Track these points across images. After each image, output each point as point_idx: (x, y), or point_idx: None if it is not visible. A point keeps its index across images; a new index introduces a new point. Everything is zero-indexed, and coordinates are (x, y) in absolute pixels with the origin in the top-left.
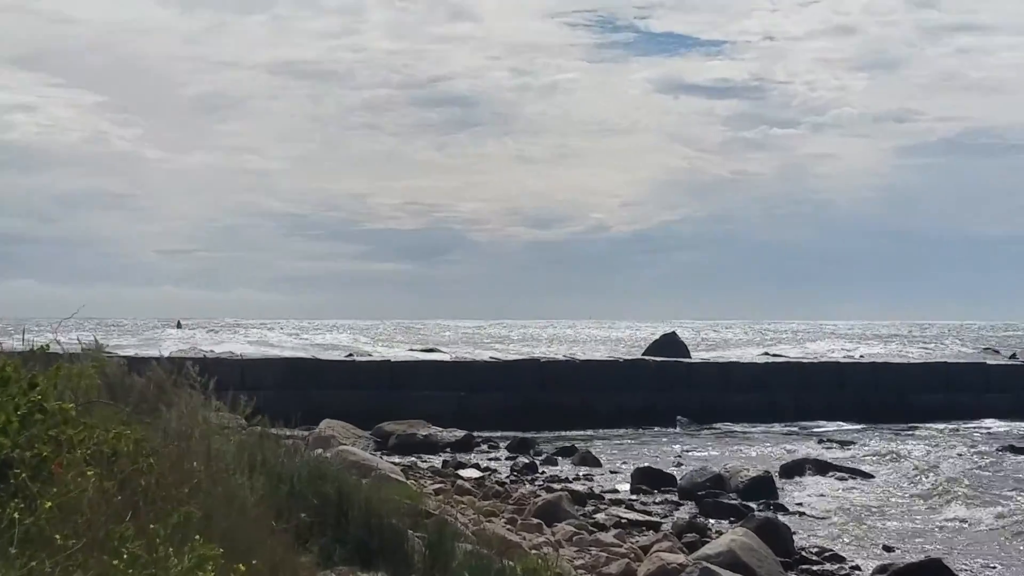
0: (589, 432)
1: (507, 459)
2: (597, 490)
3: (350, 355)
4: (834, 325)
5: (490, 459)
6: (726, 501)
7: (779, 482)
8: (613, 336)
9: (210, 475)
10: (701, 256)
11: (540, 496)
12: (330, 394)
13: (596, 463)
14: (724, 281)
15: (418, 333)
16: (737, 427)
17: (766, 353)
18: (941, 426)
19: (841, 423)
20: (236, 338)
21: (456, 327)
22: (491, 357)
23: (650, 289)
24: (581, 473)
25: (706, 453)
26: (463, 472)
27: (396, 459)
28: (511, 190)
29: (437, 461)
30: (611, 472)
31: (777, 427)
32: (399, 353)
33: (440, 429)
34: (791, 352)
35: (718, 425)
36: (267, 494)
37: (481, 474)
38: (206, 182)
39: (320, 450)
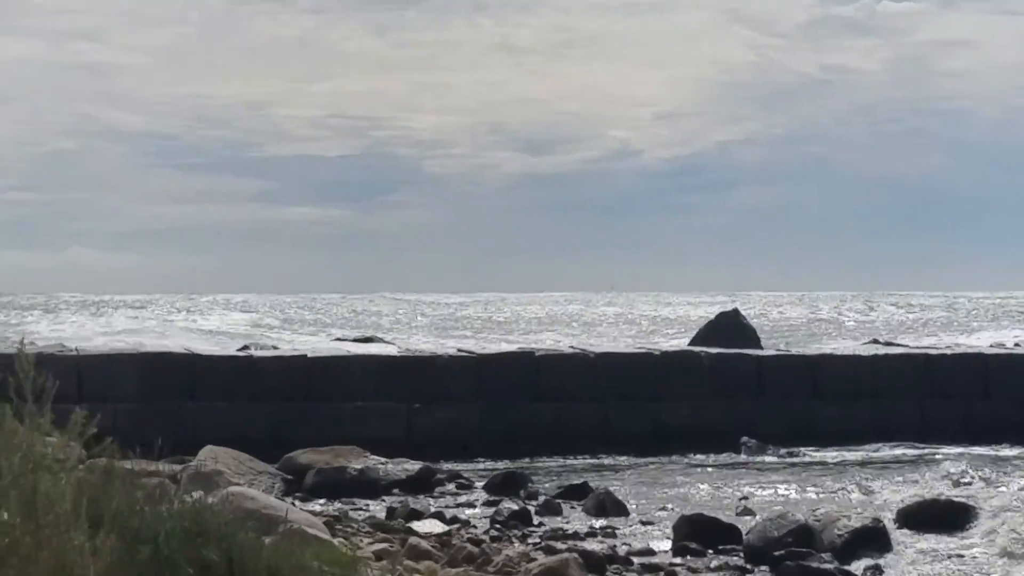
0: (609, 461)
1: (485, 504)
2: (623, 550)
3: (245, 348)
4: (976, 299)
5: (460, 504)
6: (818, 566)
7: (896, 534)
8: (645, 316)
9: (32, 533)
10: (776, 195)
11: (536, 560)
12: (215, 408)
13: (621, 510)
14: (811, 233)
15: (351, 313)
16: (831, 453)
17: (876, 342)
18: None
19: (989, 446)
20: (71, 323)
21: (408, 304)
22: (460, 350)
23: (700, 245)
24: (598, 525)
25: (787, 494)
26: (419, 525)
27: (317, 506)
28: (490, 96)
29: (379, 509)
30: (643, 523)
31: (892, 452)
32: (320, 345)
33: (383, 460)
34: (914, 340)
35: (804, 450)
36: (118, 561)
37: (446, 528)
38: (19, 85)
39: (200, 493)
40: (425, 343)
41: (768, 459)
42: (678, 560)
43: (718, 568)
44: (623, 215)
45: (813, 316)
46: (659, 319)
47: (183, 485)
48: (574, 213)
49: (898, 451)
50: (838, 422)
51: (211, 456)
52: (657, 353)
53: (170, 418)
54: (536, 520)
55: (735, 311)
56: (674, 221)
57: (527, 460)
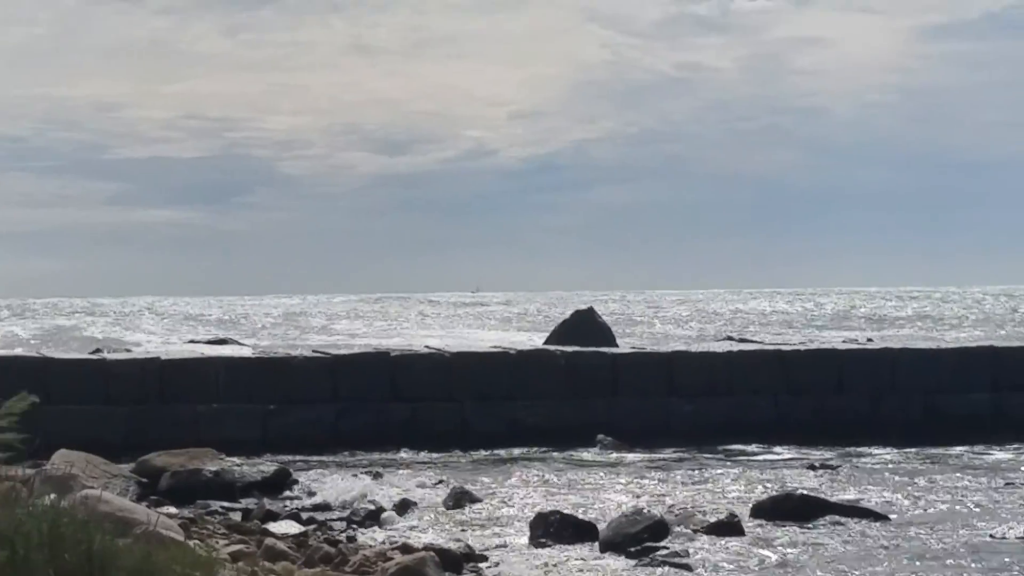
0: (467, 459)
1: (342, 504)
2: (479, 547)
3: (97, 350)
4: (830, 297)
5: (316, 505)
6: (668, 549)
7: (751, 527)
8: (500, 315)
9: None
10: (633, 193)
11: (393, 560)
12: (66, 411)
13: (476, 500)
14: (666, 231)
15: (204, 315)
16: (687, 453)
17: (730, 339)
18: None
19: (841, 445)
20: None
21: (264, 306)
22: (316, 351)
23: (555, 244)
24: (455, 521)
25: (644, 490)
26: (275, 526)
27: (173, 508)
28: (345, 97)
29: (235, 510)
30: (500, 519)
31: (748, 449)
32: (174, 347)
33: (239, 461)
34: (768, 337)
35: (660, 450)
36: None
37: (303, 528)
38: None
39: (54, 496)
40: (279, 344)
41: (624, 456)
42: (537, 552)
43: (574, 558)
44: (481, 214)
45: (667, 315)
46: (514, 319)
47: (36, 489)
48: (432, 213)
49: (753, 447)
50: (696, 419)
51: (65, 460)
52: (513, 352)
53: (21, 420)
54: (393, 518)
55: (590, 310)
56: (533, 220)
57: (385, 459)
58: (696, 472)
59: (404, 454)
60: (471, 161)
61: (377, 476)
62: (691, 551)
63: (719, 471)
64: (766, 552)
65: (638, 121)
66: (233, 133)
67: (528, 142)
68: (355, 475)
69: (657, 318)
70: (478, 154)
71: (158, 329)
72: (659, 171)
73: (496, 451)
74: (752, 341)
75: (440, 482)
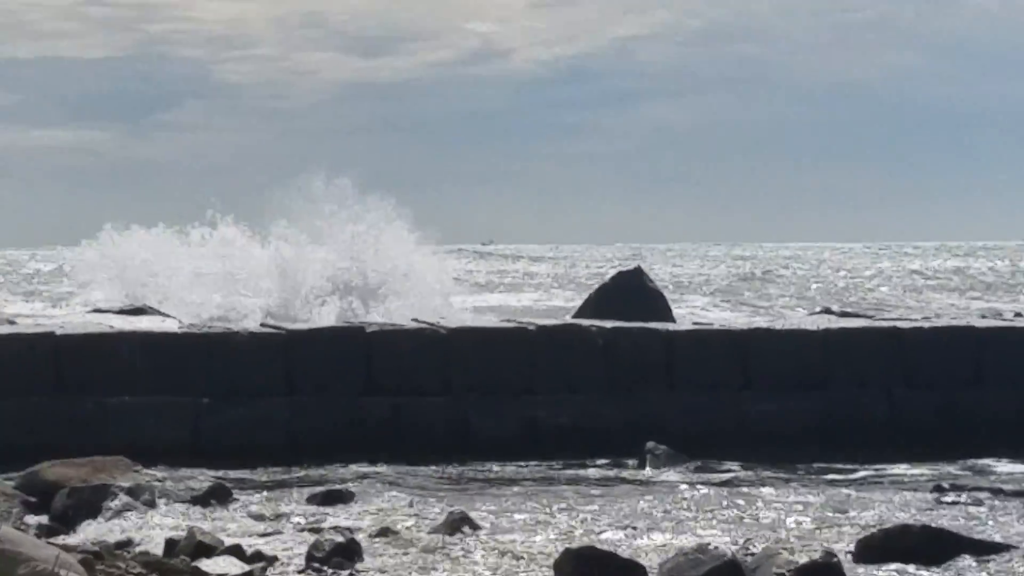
0: (468, 474)
1: (300, 530)
2: None
3: None
4: (975, 256)
5: (267, 531)
6: None
7: (855, 571)
8: (514, 276)
9: None
10: (693, 111)
11: None
12: None
13: (479, 529)
14: (738, 163)
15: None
16: (767, 467)
17: (828, 311)
18: None
19: (980, 458)
20: None
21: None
22: (265, 324)
23: (590, 180)
24: (452, 559)
25: (709, 518)
26: (209, 564)
27: (70, 538)
28: None
29: (158, 539)
30: (513, 557)
31: (848, 464)
32: (73, 318)
33: (160, 475)
34: (879, 309)
35: (731, 464)
36: None
37: (247, 568)
38: None
39: None
40: (217, 314)
41: (681, 472)
42: None
43: None
44: (489, 139)
45: (742, 273)
46: (534, 282)
47: None
48: (422, 136)
49: (857, 461)
50: (777, 421)
51: None
52: (532, 328)
53: None
54: (366, 553)
55: (637, 270)
56: (559, 146)
57: (357, 470)
58: (780, 494)
59: (382, 467)
60: (475, 66)
61: (346, 497)
62: None
63: (811, 493)
64: None
65: (703, 12)
66: (152, 25)
67: (553, 39)
68: (322, 494)
69: (727, 281)
70: (485, 56)
71: (51, 293)
72: (731, 81)
73: (508, 463)
74: (858, 315)
75: (432, 505)
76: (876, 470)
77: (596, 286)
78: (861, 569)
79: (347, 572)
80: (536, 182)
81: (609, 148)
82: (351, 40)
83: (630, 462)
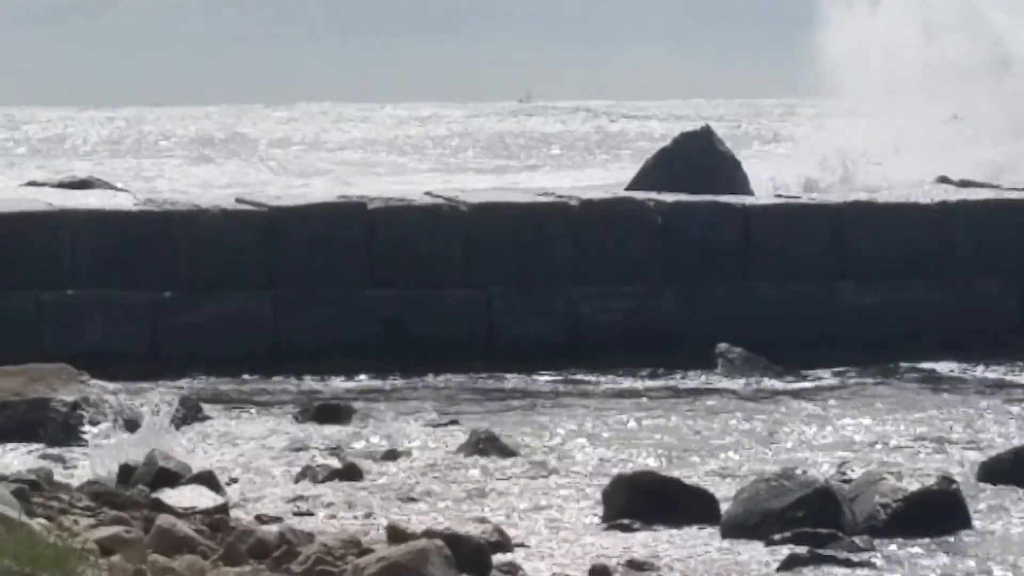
0: (494, 385)
1: (286, 451)
2: (517, 532)
3: None
4: None
5: (244, 456)
6: (848, 556)
7: (979, 498)
8: (544, 134)
9: None
10: None
11: (374, 554)
12: None
13: (510, 454)
14: None
15: (54, 136)
16: (866, 374)
17: (945, 180)
18: None
19: None
20: None
21: (155, 119)
22: (241, 199)
23: (645, 16)
24: (476, 488)
25: (796, 437)
26: (174, 495)
27: (2, 463)
28: None
29: (110, 465)
30: (551, 486)
31: (974, 367)
32: (4, 193)
33: (112, 387)
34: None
35: (821, 371)
36: None
37: (220, 499)
38: None
39: None
40: (180, 188)
41: (760, 381)
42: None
43: (684, 559)
44: None
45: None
46: (573, 143)
47: None
48: None
49: (980, 365)
50: (881, 317)
51: None
52: (574, 203)
53: None
54: (367, 474)
55: (706, 131)
56: None
57: (357, 381)
58: (883, 406)
59: (389, 378)
60: None
61: (344, 414)
62: (877, 544)
63: (921, 405)
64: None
65: None
66: None
67: None
68: (314, 408)
69: (817, 140)
70: None
71: None
72: None
73: (544, 372)
74: (984, 184)
75: (450, 423)
76: (1004, 376)
77: (655, 150)
78: (985, 498)
79: (345, 495)
80: (581, 18)
81: None
82: None
83: (696, 369)
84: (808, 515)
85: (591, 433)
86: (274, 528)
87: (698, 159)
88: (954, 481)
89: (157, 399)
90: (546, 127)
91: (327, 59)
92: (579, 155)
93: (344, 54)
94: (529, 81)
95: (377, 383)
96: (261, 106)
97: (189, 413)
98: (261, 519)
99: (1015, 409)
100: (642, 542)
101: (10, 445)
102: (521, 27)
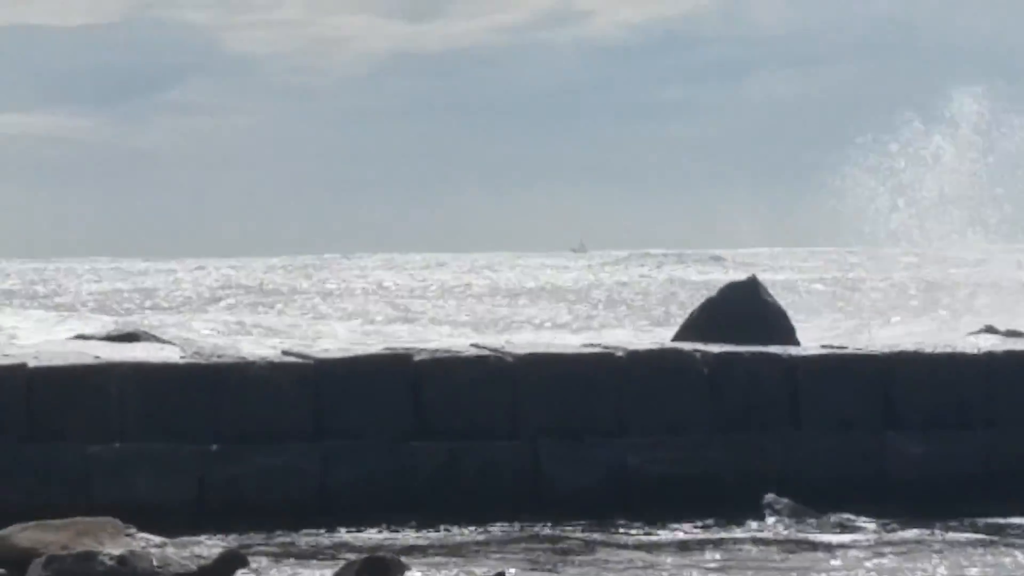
0: (542, 533)
1: None
2: None
3: None
4: None
5: None
6: None
7: None
8: (595, 284)
9: None
10: (824, 82)
11: None
12: None
13: None
14: None
15: (106, 291)
16: (921, 525)
17: (991, 330)
18: None
19: None
20: None
21: (202, 273)
22: (287, 352)
23: (695, 170)
24: None
25: None
26: None
27: None
28: None
29: None
30: None
31: None
32: (50, 346)
33: (159, 540)
34: None
35: (866, 521)
36: None
37: None
38: None
39: None
40: (226, 340)
41: (809, 532)
42: None
43: None
44: (563, 122)
45: (884, 284)
46: (621, 295)
47: None
48: (486, 118)
49: None
50: (928, 467)
51: None
52: (620, 354)
53: None
54: None
55: (752, 282)
56: (650, 131)
57: (404, 533)
58: (933, 559)
59: (436, 531)
60: (549, 30)
61: (394, 569)
62: None
63: (972, 558)
64: None
65: None
66: None
67: None
68: (351, 563)
69: (865, 290)
70: (560, 19)
71: (23, 316)
72: (872, 46)
73: (590, 522)
74: None
75: (497, 575)
76: None
77: (702, 301)
78: None
79: None
80: (628, 172)
81: (718, 131)
82: (393, 1)
83: (743, 520)
84: None
85: None
86: None
87: (744, 310)
88: None
89: (204, 552)
90: (601, 275)
91: (374, 210)
92: (629, 307)
93: (396, 204)
94: (582, 229)
95: (424, 534)
96: (311, 257)
97: (235, 565)
98: None
99: None
100: None
101: None
102: (574, 175)
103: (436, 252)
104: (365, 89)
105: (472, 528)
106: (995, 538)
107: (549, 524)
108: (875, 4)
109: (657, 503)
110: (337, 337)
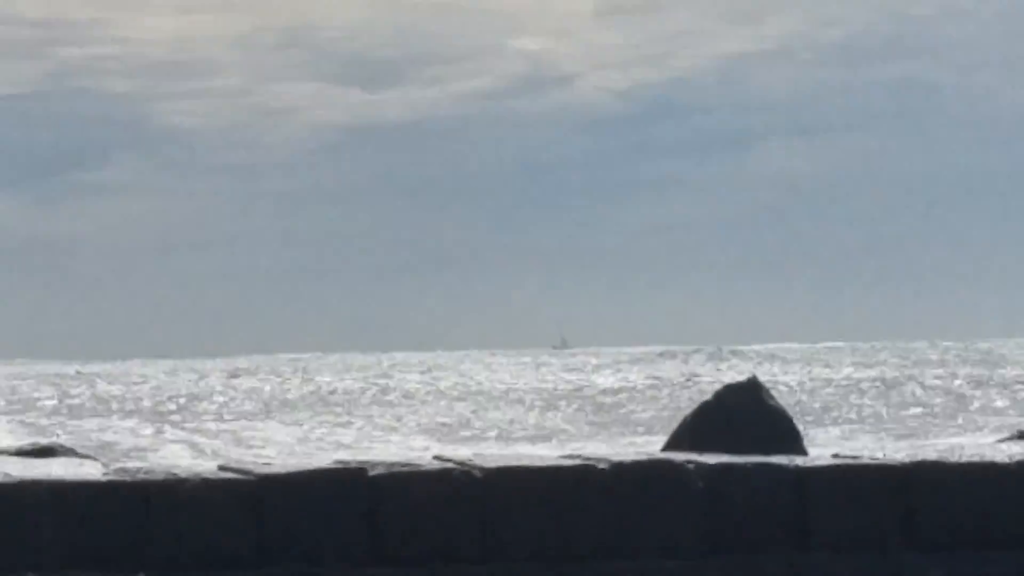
0: None
1: None
2: None
3: None
4: None
5: None
6: None
7: None
8: (575, 385)
9: None
10: (832, 156)
11: None
12: None
13: None
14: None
15: (17, 398)
16: None
17: (1023, 435)
18: None
19: None
20: None
21: (126, 376)
22: (224, 467)
23: (689, 255)
24: None
25: None
26: None
27: None
28: None
29: None
30: None
31: None
32: None
33: None
34: None
35: None
36: None
37: None
38: None
39: None
40: (147, 452)
41: None
42: None
43: None
44: (541, 201)
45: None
46: (602, 399)
47: None
48: (448, 199)
49: None
50: None
51: None
52: (604, 467)
53: None
54: None
55: (753, 383)
56: (638, 211)
57: None
58: None
59: None
60: (523, 97)
61: None
62: None
63: None
64: None
65: (842, 18)
66: (67, 49)
67: (633, 60)
68: None
69: (880, 391)
70: (537, 83)
71: None
72: (882, 115)
73: None
74: None
75: None
76: None
77: (695, 405)
78: None
79: None
80: (616, 258)
81: (710, 211)
82: (347, 65)
83: None
84: None
85: None
86: None
87: (744, 415)
88: None
89: None
90: (581, 378)
91: (326, 304)
92: (613, 412)
93: (351, 296)
94: (564, 327)
95: None
96: (261, 357)
97: None
98: None
99: None
100: None
101: None
102: (555, 263)
103: (396, 351)
104: (315, 166)
105: None
106: None
107: None
108: (883, 66)
109: None
110: (277, 443)
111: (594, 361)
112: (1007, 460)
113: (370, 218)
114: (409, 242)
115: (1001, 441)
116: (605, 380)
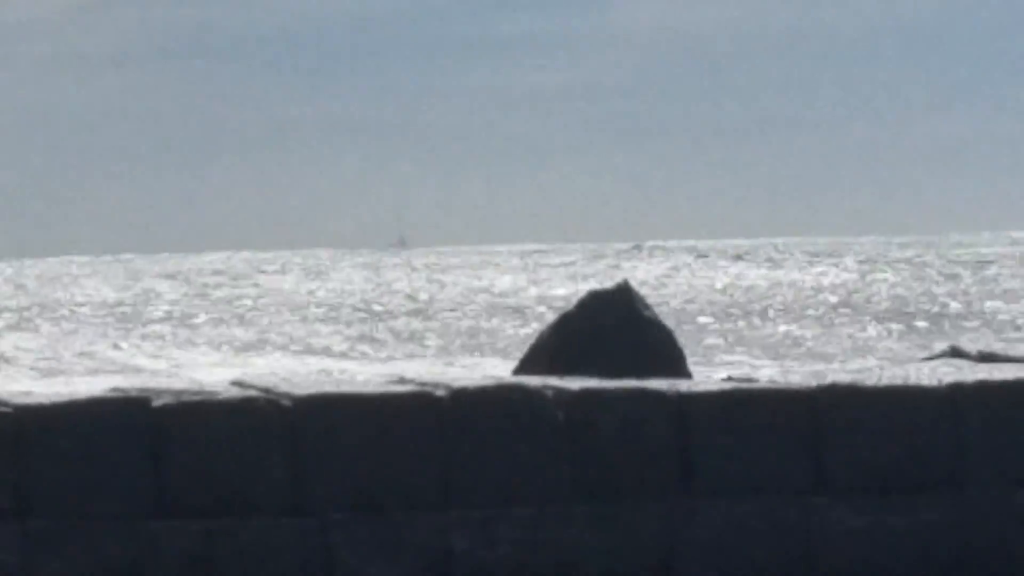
0: None
1: None
2: None
3: None
4: None
5: None
6: None
7: None
8: (415, 294)
9: None
10: (716, 16)
11: None
12: None
13: None
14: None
15: None
16: None
17: (957, 352)
18: None
19: None
20: None
21: None
22: None
23: (548, 133)
24: None
25: None
26: None
27: None
28: None
29: None
30: None
31: None
32: None
33: None
34: None
35: None
36: None
37: None
38: None
39: None
40: None
41: None
42: None
43: None
44: (369, 69)
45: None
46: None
47: None
48: (248, 66)
49: None
50: (871, 547)
51: None
52: (442, 393)
53: None
54: None
55: (623, 289)
56: (492, 79)
57: None
58: None
59: None
60: None
61: None
62: None
63: None
64: None
65: None
66: None
67: None
68: None
69: (778, 300)
70: None
71: None
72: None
73: None
74: (1008, 358)
75: None
76: None
77: (556, 315)
78: None
79: None
80: (463, 139)
81: (578, 76)
82: None
83: None
84: None
85: None
86: None
87: (613, 330)
88: None
89: None
90: (428, 285)
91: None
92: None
93: (121, 186)
94: (404, 222)
95: None
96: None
97: None
98: None
99: None
100: None
101: None
102: (389, 145)
103: (186, 253)
104: (64, 31)
105: None
106: None
107: None
108: None
109: None
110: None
111: (437, 263)
112: (936, 383)
113: (136, 90)
114: (193, 119)
115: (929, 359)
116: (452, 281)
